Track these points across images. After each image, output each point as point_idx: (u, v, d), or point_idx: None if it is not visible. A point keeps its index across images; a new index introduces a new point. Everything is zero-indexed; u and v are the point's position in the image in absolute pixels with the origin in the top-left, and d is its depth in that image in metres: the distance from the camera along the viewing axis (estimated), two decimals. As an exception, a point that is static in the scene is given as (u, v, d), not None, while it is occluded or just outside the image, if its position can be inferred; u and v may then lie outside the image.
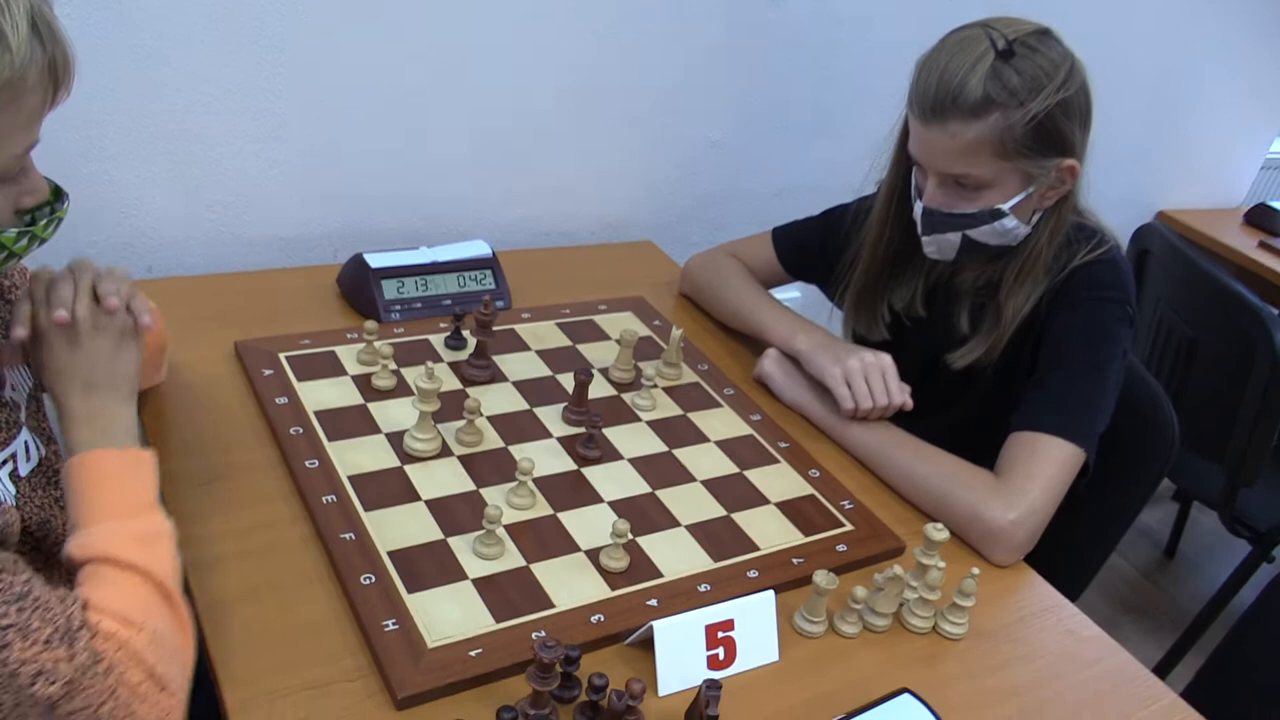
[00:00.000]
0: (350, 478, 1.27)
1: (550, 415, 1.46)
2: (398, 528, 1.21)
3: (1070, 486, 1.40)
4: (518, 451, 1.38)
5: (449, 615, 1.11)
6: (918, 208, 1.48)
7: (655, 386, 1.56)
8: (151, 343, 1.13)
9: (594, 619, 1.14)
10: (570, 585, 1.18)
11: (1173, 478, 2.58)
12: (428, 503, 1.26)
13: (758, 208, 2.30)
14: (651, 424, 1.50)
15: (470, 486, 1.30)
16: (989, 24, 1.37)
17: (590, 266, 1.96)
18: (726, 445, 1.48)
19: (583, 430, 1.42)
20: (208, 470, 1.26)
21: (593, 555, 1.23)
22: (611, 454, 1.41)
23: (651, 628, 1.09)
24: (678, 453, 1.44)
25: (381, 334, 1.52)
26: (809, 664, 1.17)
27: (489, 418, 1.43)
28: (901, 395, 1.49)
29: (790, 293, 2.13)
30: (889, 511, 1.42)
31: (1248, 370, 2.16)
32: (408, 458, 1.32)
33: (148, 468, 1.00)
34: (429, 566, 1.17)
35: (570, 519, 1.28)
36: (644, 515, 1.31)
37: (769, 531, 1.33)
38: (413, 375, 1.45)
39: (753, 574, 1.25)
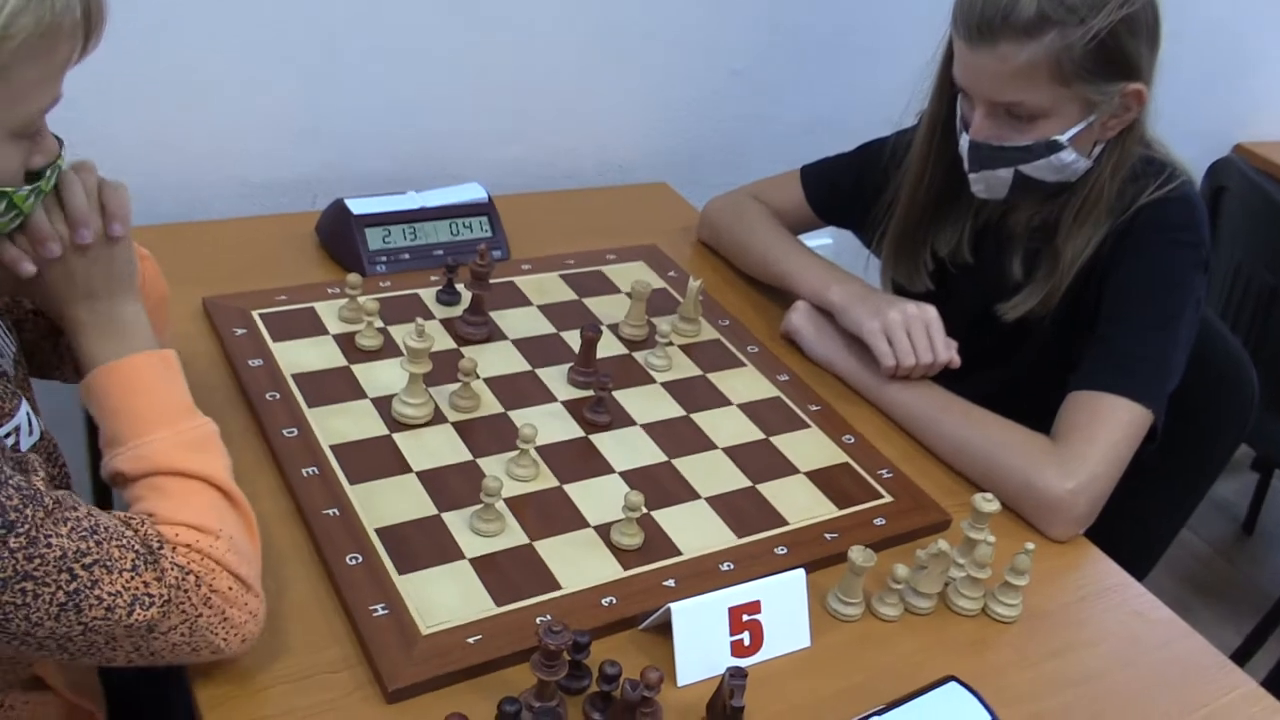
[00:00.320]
0: (333, 447, 1.27)
1: (554, 377, 1.46)
2: (386, 502, 1.21)
3: (1136, 452, 1.39)
4: (518, 417, 1.38)
5: (444, 599, 1.11)
6: (964, 141, 1.47)
7: (671, 344, 1.56)
8: (150, 298, 1.15)
9: (605, 601, 1.15)
10: (578, 565, 1.19)
11: (1251, 443, 2.57)
12: (419, 474, 1.26)
13: (784, 144, 2.28)
14: (667, 386, 1.50)
15: (466, 456, 1.30)
16: (1043, -69, 1.35)
17: (598, 211, 1.95)
18: (750, 408, 1.48)
19: (590, 393, 1.42)
20: (175, 441, 1.26)
21: (603, 531, 1.23)
22: (623, 419, 1.42)
23: (669, 611, 1.09)
24: (696, 417, 1.44)
25: (366, 288, 1.52)
26: (844, 650, 1.18)
27: (486, 380, 1.43)
28: (947, 351, 1.49)
29: (821, 239, 2.12)
30: (933, 481, 1.42)
31: (1337, 322, 2.15)
32: (396, 425, 1.33)
33: (176, 368, 1.06)
34: (421, 545, 1.17)
35: (577, 491, 1.29)
36: (659, 486, 1.31)
37: (799, 504, 1.33)
38: (401, 334, 1.45)
39: (781, 551, 1.25)
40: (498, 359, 1.48)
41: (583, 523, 1.25)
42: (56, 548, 0.84)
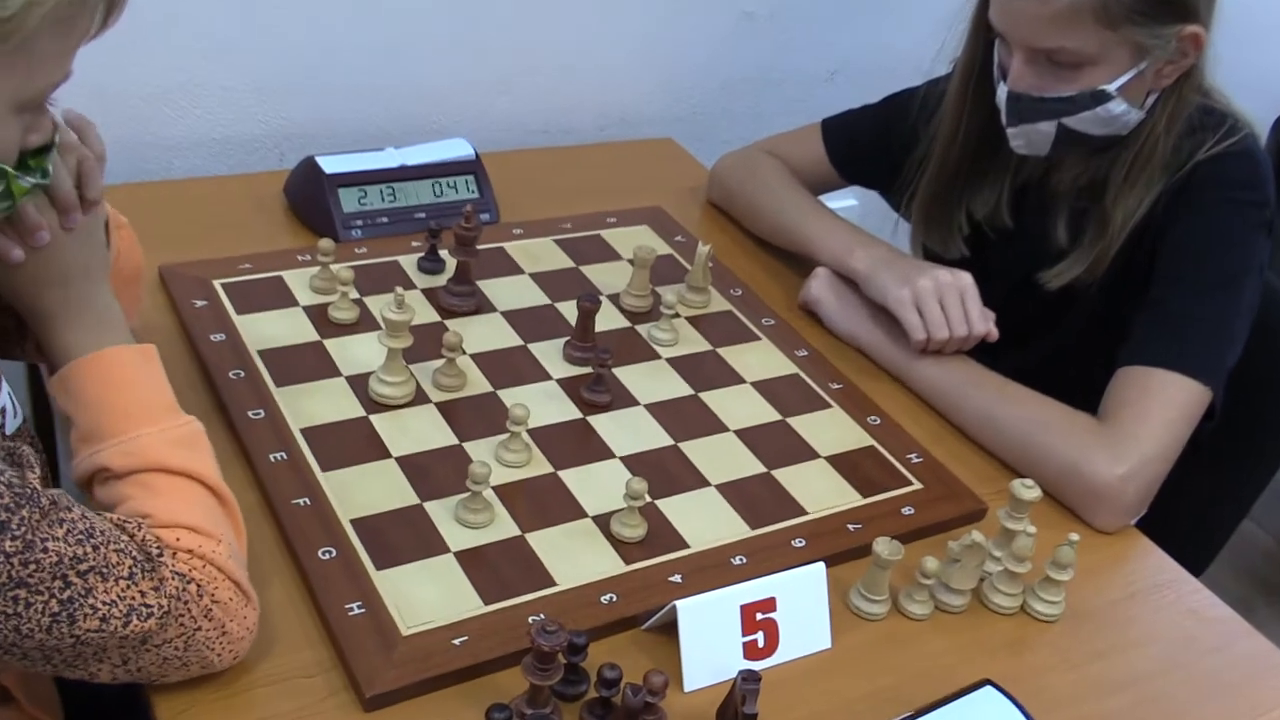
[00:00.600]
0: (304, 431, 1.27)
1: (548, 352, 1.47)
2: (363, 491, 1.22)
3: (1193, 434, 1.39)
4: (509, 397, 1.38)
5: (426, 596, 1.12)
6: (1002, 91, 1.46)
7: (677, 316, 1.56)
8: (124, 270, 1.15)
9: (604, 599, 1.15)
10: (575, 558, 1.19)
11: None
12: (399, 460, 1.27)
13: (803, 95, 2.28)
14: (673, 362, 1.50)
15: (451, 440, 1.31)
16: None
17: (596, 170, 1.95)
18: (765, 387, 1.48)
19: (588, 370, 1.42)
20: (129, 423, 1.26)
21: (602, 522, 1.24)
22: (624, 399, 1.42)
23: (674, 609, 1.10)
24: (705, 396, 1.45)
25: (339, 255, 1.52)
26: (868, 652, 1.18)
27: (473, 356, 1.43)
28: (984, 323, 1.49)
29: (845, 200, 2.11)
30: (966, 466, 1.42)
31: None
32: (374, 406, 1.33)
33: (157, 363, 1.07)
34: (401, 537, 1.17)
35: (574, 478, 1.29)
36: (664, 473, 1.32)
37: (818, 491, 1.33)
38: (379, 305, 1.45)
39: (798, 543, 1.26)
40: (486, 333, 1.48)
41: (580, 513, 1.25)
42: (53, 553, 0.84)
